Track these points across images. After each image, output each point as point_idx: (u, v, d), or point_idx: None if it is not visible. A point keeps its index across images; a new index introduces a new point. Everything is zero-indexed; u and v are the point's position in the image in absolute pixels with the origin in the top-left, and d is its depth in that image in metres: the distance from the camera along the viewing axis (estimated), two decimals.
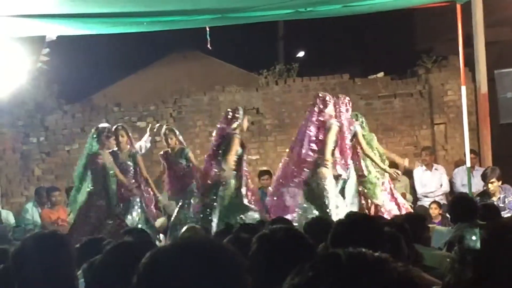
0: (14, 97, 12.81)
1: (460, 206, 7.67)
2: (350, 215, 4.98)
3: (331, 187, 10.65)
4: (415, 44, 18.91)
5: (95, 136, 11.59)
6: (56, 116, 14.99)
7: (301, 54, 23.01)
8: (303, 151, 10.68)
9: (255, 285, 2.37)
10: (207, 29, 11.10)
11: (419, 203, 13.94)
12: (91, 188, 11.50)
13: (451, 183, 14.31)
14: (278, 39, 22.07)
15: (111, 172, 11.48)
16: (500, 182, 11.09)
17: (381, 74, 16.55)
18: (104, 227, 11.21)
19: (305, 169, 10.74)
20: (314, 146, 10.68)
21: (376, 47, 21.03)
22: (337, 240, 4.08)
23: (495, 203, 10.40)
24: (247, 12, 10.52)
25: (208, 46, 11.18)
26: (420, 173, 14.22)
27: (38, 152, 14.86)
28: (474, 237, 7.45)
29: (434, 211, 12.40)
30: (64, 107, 15.19)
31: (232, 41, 17.94)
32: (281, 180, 11.19)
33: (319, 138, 10.68)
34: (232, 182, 11.19)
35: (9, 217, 13.56)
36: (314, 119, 10.78)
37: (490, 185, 11.28)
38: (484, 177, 11.53)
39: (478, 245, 7.47)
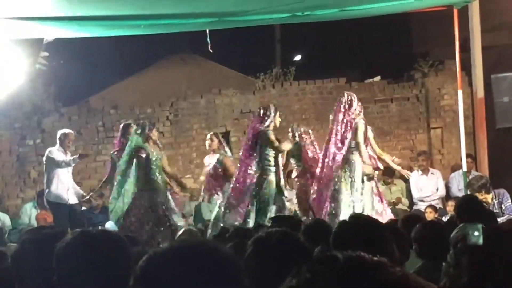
0: (11, 99, 12.79)
1: (467, 207, 7.55)
2: (354, 216, 4.99)
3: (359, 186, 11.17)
4: (411, 48, 18.93)
5: (139, 131, 11.63)
6: (53, 118, 14.99)
7: (298, 57, 23.05)
8: (331, 150, 11.20)
9: None
10: (207, 32, 11.10)
11: (415, 207, 13.95)
12: (136, 182, 11.57)
13: (447, 187, 14.30)
14: (275, 43, 22.09)
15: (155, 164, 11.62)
16: (484, 191, 10.81)
17: (377, 78, 16.57)
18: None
19: (334, 168, 11.21)
20: (340, 145, 11.12)
21: (372, 51, 21.06)
22: (339, 240, 4.08)
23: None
24: (244, 15, 10.53)
25: (209, 49, 11.18)
26: (416, 177, 14.21)
27: (35, 155, 14.84)
28: (476, 233, 7.41)
29: (430, 215, 12.36)
30: (61, 110, 15.19)
31: (229, 44, 17.94)
32: (320, 181, 11.48)
33: (346, 137, 11.11)
34: (273, 177, 11.47)
35: (5, 220, 13.56)
36: (340, 118, 11.18)
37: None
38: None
39: (481, 241, 7.47)
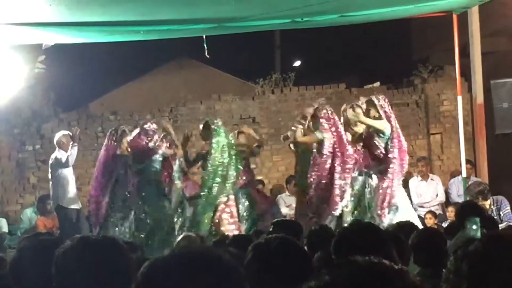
0: (10, 105, 12.80)
1: (468, 213, 7.50)
2: (354, 222, 4.98)
3: None
4: (411, 54, 18.95)
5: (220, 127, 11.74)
6: (52, 124, 14.96)
7: (297, 63, 23.08)
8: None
9: None
10: (204, 37, 11.10)
11: None
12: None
13: (447, 193, 14.28)
14: (275, 48, 22.11)
15: None
16: (481, 198, 10.70)
17: (377, 84, 16.58)
18: None
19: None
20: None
21: (372, 56, 21.08)
22: (340, 247, 4.07)
23: None
24: (243, 21, 10.53)
25: (206, 54, 11.18)
26: (415, 183, 14.18)
27: (34, 160, 14.83)
28: (474, 226, 7.37)
29: (429, 221, 12.34)
30: (60, 115, 15.17)
31: (229, 50, 17.95)
32: None
33: None
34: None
35: (3, 225, 13.53)
36: None
37: None
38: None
39: (479, 234, 7.44)
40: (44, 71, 12.51)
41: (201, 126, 11.99)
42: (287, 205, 13.57)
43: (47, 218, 13.18)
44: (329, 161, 10.85)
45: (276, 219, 9.48)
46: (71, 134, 12.37)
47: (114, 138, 11.95)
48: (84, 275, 3.03)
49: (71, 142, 12.08)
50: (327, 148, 10.84)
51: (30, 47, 10.66)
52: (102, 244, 3.19)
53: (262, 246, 3.72)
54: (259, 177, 14.68)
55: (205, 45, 11.11)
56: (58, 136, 12.39)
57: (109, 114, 15.35)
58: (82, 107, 16.60)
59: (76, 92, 17.36)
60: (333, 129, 10.92)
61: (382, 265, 1.87)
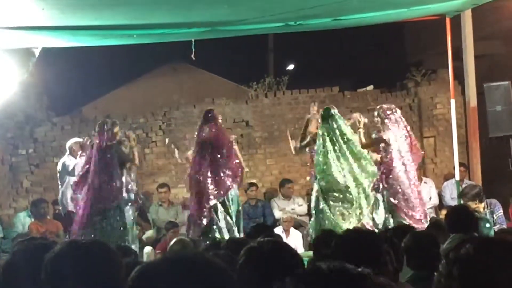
0: (3, 109, 12.76)
1: (457, 216, 7.48)
2: (353, 229, 4.99)
3: None
4: (404, 57, 18.98)
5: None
6: (45, 128, 14.96)
7: (291, 67, 23.07)
8: None
9: None
10: (192, 40, 11.11)
11: None
12: None
13: (440, 196, 14.29)
14: (268, 52, 22.10)
15: None
16: (477, 201, 10.64)
17: (370, 87, 16.59)
18: None
19: None
20: None
21: (365, 60, 21.09)
22: (340, 252, 4.07)
23: None
24: (237, 25, 10.52)
25: (192, 56, 11.18)
26: None
27: (27, 164, 14.81)
28: (488, 225, 7.36)
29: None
30: (54, 119, 15.16)
31: (222, 53, 17.95)
32: None
33: None
34: None
35: None
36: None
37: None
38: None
39: (492, 232, 7.43)
40: (37, 75, 12.48)
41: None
42: (280, 209, 13.55)
43: (40, 222, 13.15)
44: None
45: (256, 224, 9.51)
46: (81, 140, 12.40)
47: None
48: (74, 279, 3.02)
49: (80, 152, 12.05)
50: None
51: (23, 51, 10.63)
52: (91, 248, 3.19)
53: (255, 249, 3.72)
54: (252, 180, 14.68)
55: (193, 47, 11.11)
56: (70, 142, 12.50)
57: (102, 118, 15.30)
58: (75, 111, 16.60)
59: (69, 96, 17.34)
60: None
61: (345, 270, 1.88)
